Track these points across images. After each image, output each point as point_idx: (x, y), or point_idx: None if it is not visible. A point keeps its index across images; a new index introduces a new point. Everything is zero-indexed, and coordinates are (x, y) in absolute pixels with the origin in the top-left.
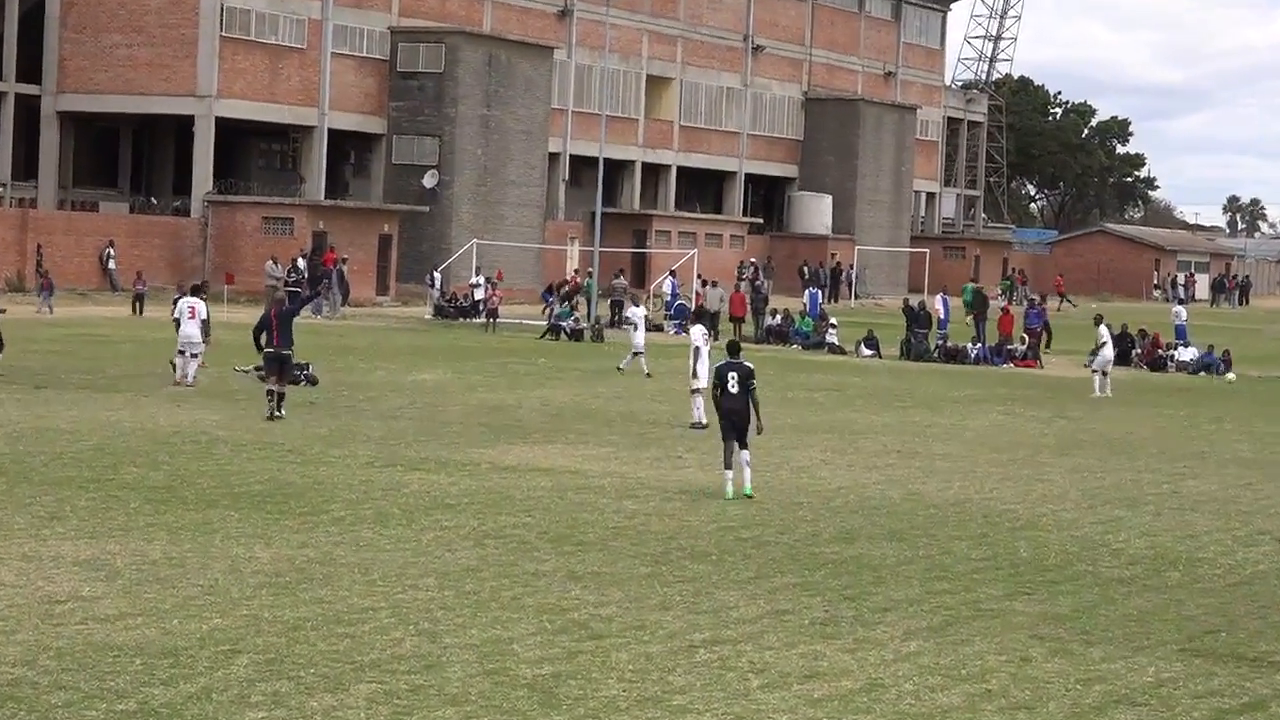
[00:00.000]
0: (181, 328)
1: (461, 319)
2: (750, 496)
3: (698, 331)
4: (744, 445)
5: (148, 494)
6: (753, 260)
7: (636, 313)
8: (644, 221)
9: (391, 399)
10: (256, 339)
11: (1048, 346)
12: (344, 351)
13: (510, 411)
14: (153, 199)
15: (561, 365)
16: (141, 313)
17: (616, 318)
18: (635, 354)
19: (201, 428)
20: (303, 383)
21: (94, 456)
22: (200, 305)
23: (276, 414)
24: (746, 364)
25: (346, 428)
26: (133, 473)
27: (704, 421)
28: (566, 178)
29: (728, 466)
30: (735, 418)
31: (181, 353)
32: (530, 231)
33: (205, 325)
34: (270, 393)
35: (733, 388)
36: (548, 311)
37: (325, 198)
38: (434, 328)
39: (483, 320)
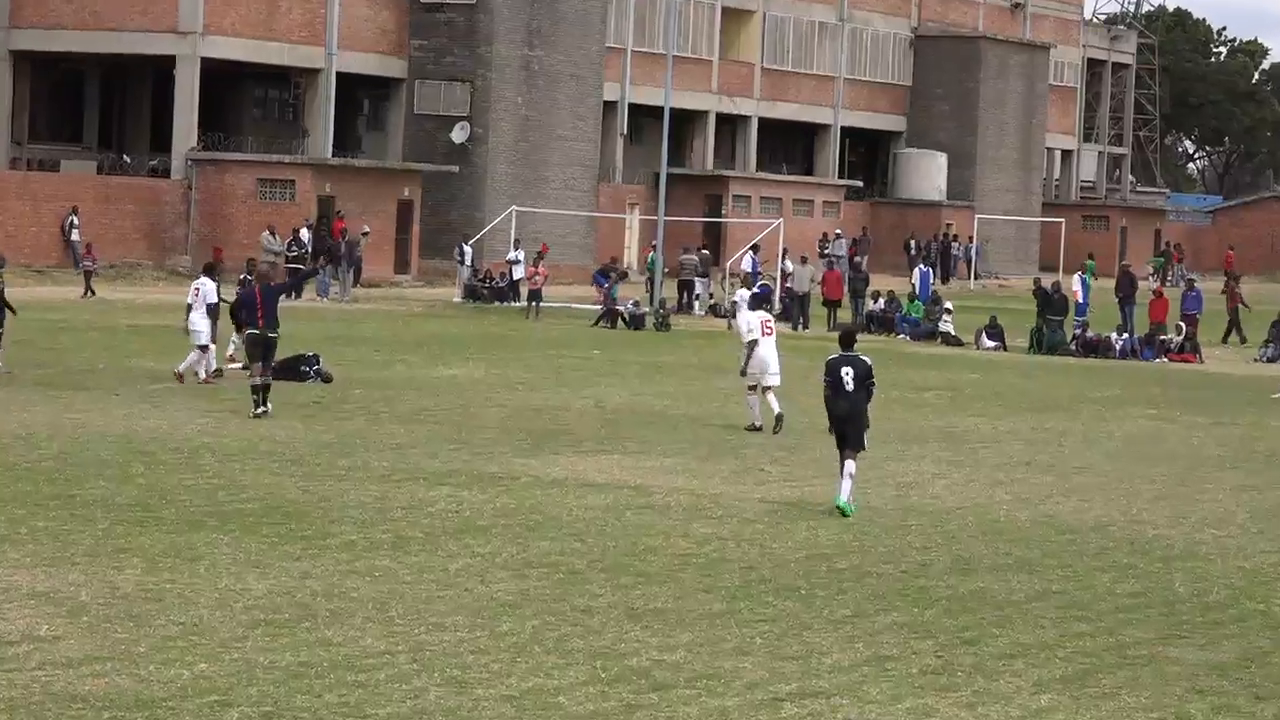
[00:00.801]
0: (190, 314)
1: (497, 302)
2: (846, 514)
3: (753, 319)
4: (854, 454)
5: (119, 513)
6: (838, 231)
7: (743, 295)
8: (719, 185)
9: (413, 399)
10: (234, 317)
11: (1239, 340)
12: (355, 341)
13: (556, 414)
14: (125, 157)
15: (619, 358)
16: (91, 293)
17: (685, 301)
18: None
19: (183, 433)
20: (312, 379)
21: (54, 468)
22: (206, 286)
23: (262, 410)
24: (864, 358)
25: (358, 433)
26: (101, 487)
27: (758, 424)
28: (625, 132)
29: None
30: (848, 422)
31: (205, 346)
32: (580, 197)
33: (213, 311)
34: (253, 388)
35: (849, 386)
36: (602, 293)
37: (333, 155)
38: (464, 312)
39: (523, 304)
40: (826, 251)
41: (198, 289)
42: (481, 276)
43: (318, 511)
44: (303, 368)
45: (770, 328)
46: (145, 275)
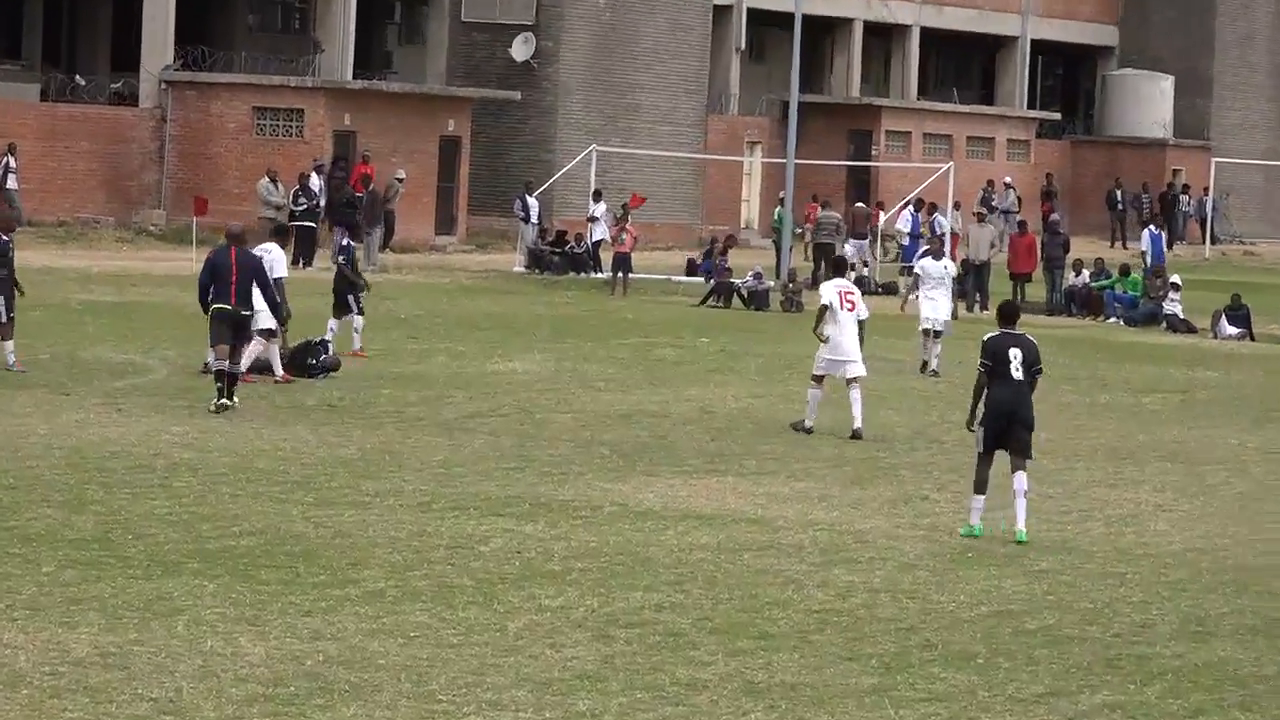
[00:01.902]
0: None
1: (572, 272)
2: (1022, 542)
3: (829, 289)
4: (1023, 463)
5: (70, 551)
6: (1007, 180)
7: (932, 268)
8: (867, 117)
9: (460, 401)
10: (204, 293)
11: None
12: (384, 324)
13: (651, 422)
14: (78, 78)
15: (734, 348)
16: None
17: (823, 271)
18: (932, 334)
19: (155, 446)
20: (320, 375)
21: None
22: (274, 255)
23: (225, 403)
24: (1030, 338)
25: (388, 446)
26: (46, 517)
27: (809, 424)
28: (742, 46)
29: (980, 490)
30: (1014, 419)
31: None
32: (683, 133)
33: (278, 290)
34: (216, 375)
35: (1016, 372)
36: (713, 264)
37: (355, 77)
38: (527, 286)
39: (606, 275)
40: (992, 207)
41: (260, 258)
42: (550, 239)
43: (333, 550)
44: (311, 360)
45: (852, 301)
46: (104, 236)
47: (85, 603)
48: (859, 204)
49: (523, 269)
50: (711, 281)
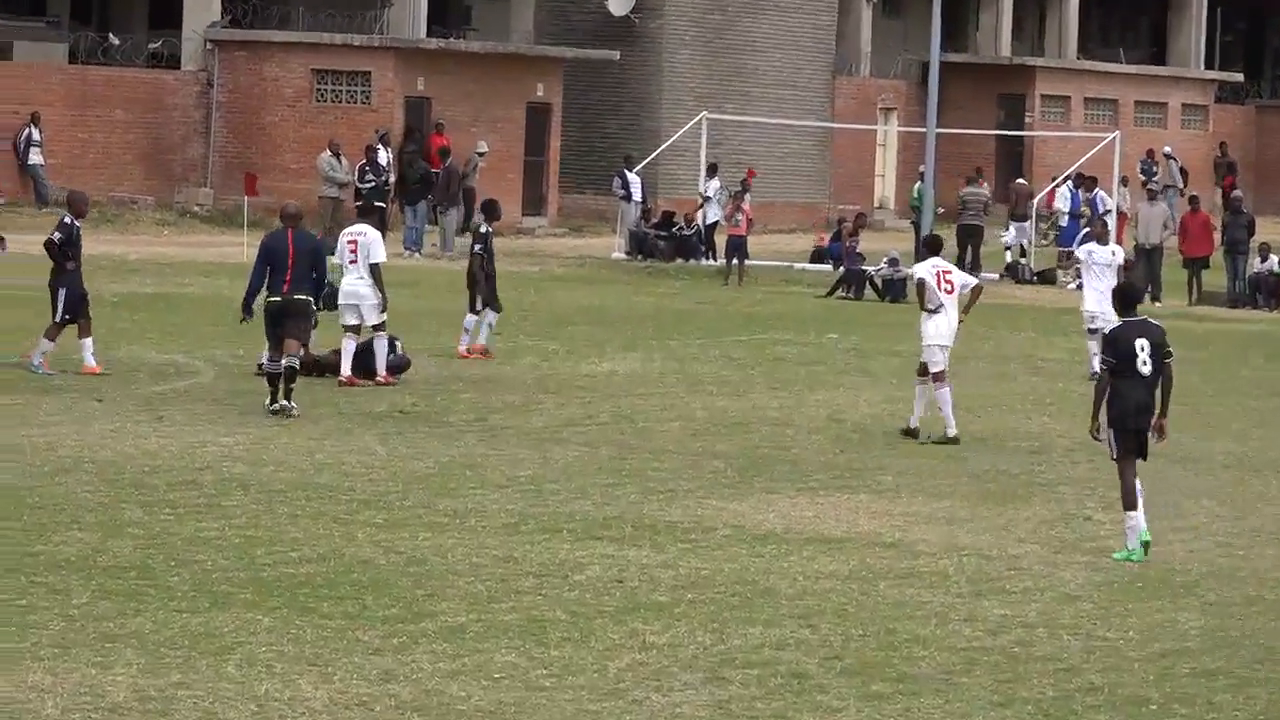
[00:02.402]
0: (344, 280)
1: (680, 259)
2: (1146, 543)
3: (924, 269)
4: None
5: (105, 580)
6: (1167, 150)
7: (1098, 254)
8: (1019, 79)
9: (551, 408)
10: (255, 284)
11: None
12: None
13: (771, 432)
14: (111, 37)
15: (867, 346)
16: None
17: (970, 257)
18: (1101, 333)
19: (201, 459)
20: (394, 374)
21: (7, 511)
22: (368, 237)
23: (285, 407)
24: (1156, 323)
25: (469, 459)
26: (78, 541)
27: (915, 426)
28: None
29: (1130, 505)
30: (1145, 417)
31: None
32: (807, 99)
33: (376, 276)
34: (270, 377)
35: (1144, 366)
36: (842, 249)
37: (429, 35)
38: (628, 274)
39: (719, 262)
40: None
41: (354, 240)
42: (655, 220)
43: (406, 580)
44: (382, 358)
45: (951, 283)
46: (142, 218)
47: (122, 639)
48: (1019, 180)
49: (623, 255)
50: (840, 269)
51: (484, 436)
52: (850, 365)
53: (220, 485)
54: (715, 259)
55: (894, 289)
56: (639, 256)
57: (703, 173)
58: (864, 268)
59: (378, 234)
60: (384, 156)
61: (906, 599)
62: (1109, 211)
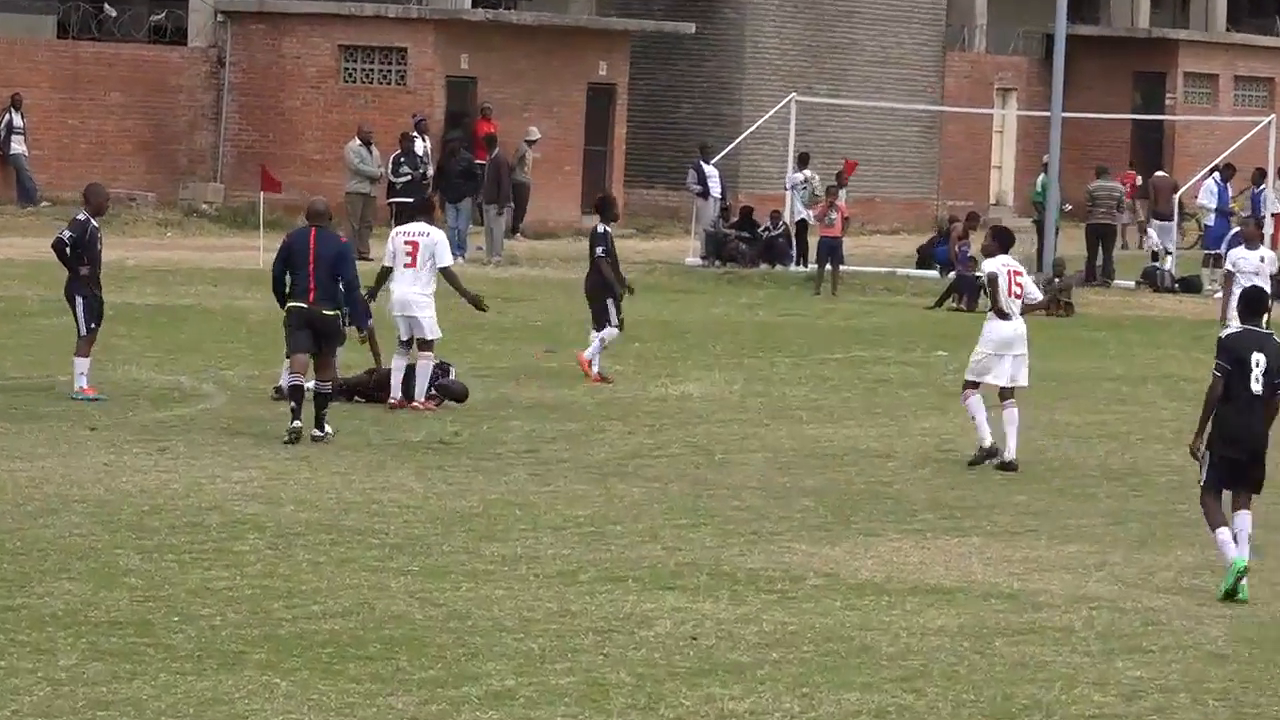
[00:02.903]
0: (394, 287)
1: (765, 264)
2: (1236, 595)
3: (994, 265)
4: (1247, 501)
5: (97, 638)
6: None
7: (1245, 260)
8: (1159, 55)
9: (615, 436)
10: (278, 284)
11: None
12: (511, 333)
13: (870, 465)
14: (106, 7)
15: None
16: None
17: (1101, 263)
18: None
19: (210, 496)
20: (437, 401)
21: None
22: (431, 238)
23: (317, 434)
24: (1278, 339)
25: (518, 496)
26: (65, 593)
27: (988, 444)
28: None
29: (1216, 524)
30: (1252, 444)
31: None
32: (912, 78)
33: (452, 281)
34: (290, 393)
35: (1255, 384)
36: (951, 252)
37: (475, 4)
38: (705, 282)
39: (811, 267)
40: None
41: (414, 241)
42: (735, 219)
43: (446, 636)
44: (434, 384)
45: (1020, 285)
46: (143, 218)
47: (116, 706)
48: (1159, 172)
49: (698, 260)
50: (950, 275)
51: (537, 470)
52: (961, 387)
53: (231, 527)
54: (806, 264)
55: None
56: (717, 261)
57: (791, 164)
58: (978, 274)
59: (443, 234)
60: (421, 146)
61: (1027, 659)
62: (1263, 216)
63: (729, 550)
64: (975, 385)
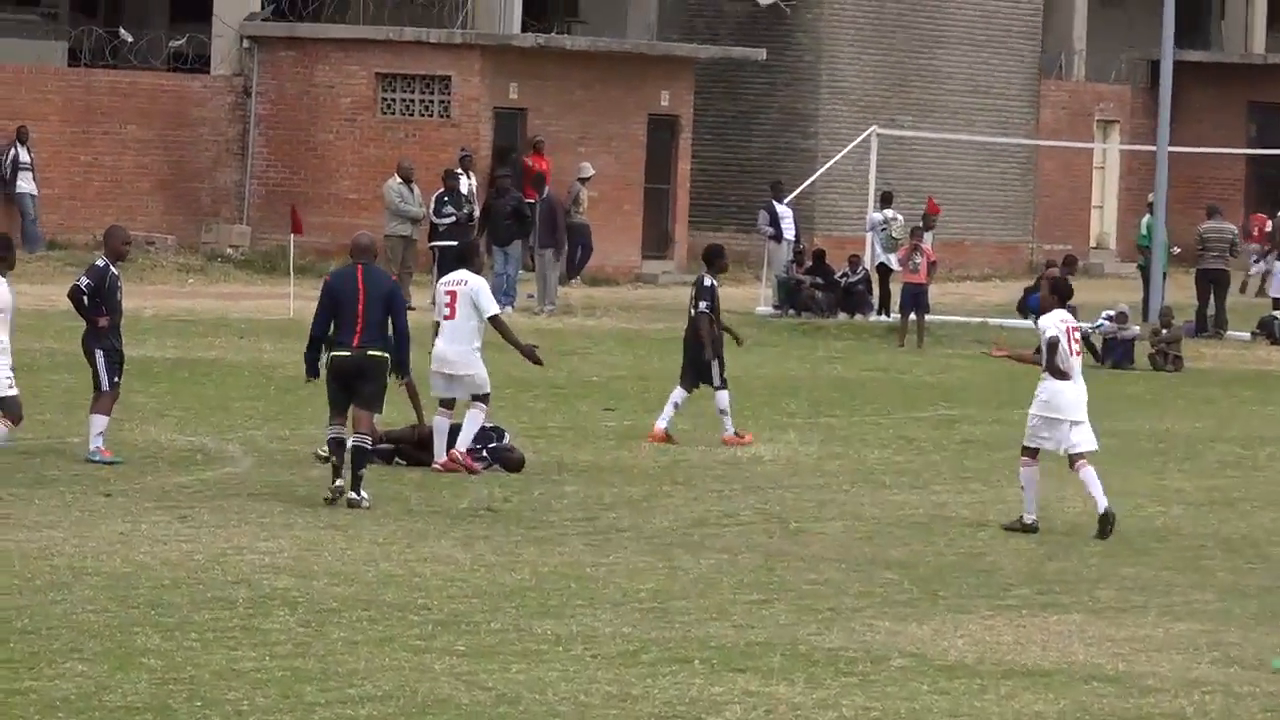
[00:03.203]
0: (437, 341)
1: (843, 314)
2: None
3: (1052, 321)
4: None
5: None
6: None
7: None
8: (1275, 82)
9: (680, 503)
10: (317, 336)
11: None
12: (565, 390)
13: (960, 534)
14: (122, 32)
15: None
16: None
17: (1213, 312)
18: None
19: (236, 569)
20: (486, 464)
21: None
22: (471, 285)
23: (353, 498)
24: None
25: (574, 569)
26: (78, 675)
27: (1030, 520)
28: None
29: None
30: None
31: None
32: (1004, 108)
33: (501, 329)
34: (331, 447)
35: None
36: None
37: (525, 30)
38: (778, 333)
39: (894, 318)
40: None
41: (454, 291)
42: (810, 264)
43: None
44: (482, 446)
45: (1079, 341)
46: (162, 263)
47: None
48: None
49: (770, 309)
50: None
51: (594, 540)
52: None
53: (259, 603)
54: (888, 314)
55: (1117, 351)
56: (790, 311)
57: (872, 203)
58: (1078, 325)
59: (483, 281)
60: (466, 184)
61: None
62: None
63: (805, 628)
64: (1034, 454)
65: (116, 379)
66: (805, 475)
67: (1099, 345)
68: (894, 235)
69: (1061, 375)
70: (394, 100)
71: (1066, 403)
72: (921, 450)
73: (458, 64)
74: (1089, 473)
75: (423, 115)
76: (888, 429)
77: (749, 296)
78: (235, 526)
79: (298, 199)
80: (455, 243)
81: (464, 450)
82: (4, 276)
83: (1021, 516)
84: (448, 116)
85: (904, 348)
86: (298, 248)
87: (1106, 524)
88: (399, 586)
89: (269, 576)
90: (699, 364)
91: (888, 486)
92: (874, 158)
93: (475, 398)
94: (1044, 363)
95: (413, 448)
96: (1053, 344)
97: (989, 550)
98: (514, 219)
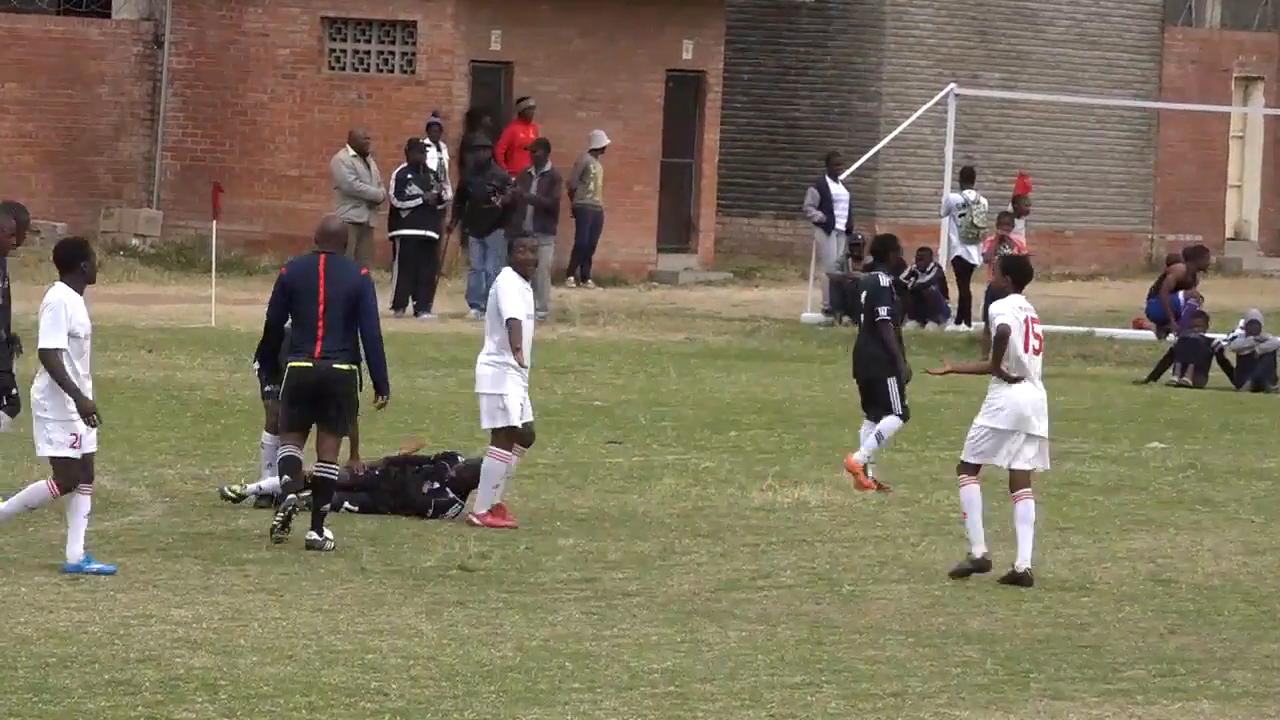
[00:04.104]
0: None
1: (912, 321)
2: None
3: (1006, 309)
4: None
5: None
6: None
7: None
8: None
9: (703, 561)
10: (273, 337)
11: None
12: (562, 417)
13: (1056, 599)
14: None
15: (1213, 461)
16: None
17: None
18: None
19: (142, 643)
20: (452, 508)
21: None
22: (511, 290)
23: (313, 538)
24: None
25: (570, 643)
26: None
27: (979, 554)
28: None
29: None
30: None
31: None
32: (1116, 64)
33: (515, 334)
34: (282, 461)
35: None
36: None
37: None
38: (828, 345)
39: (973, 326)
40: None
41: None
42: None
43: None
44: (426, 486)
45: (1040, 338)
46: (48, 257)
47: None
48: None
49: (819, 315)
50: (1170, 337)
51: (595, 607)
52: (1186, 493)
53: (170, 687)
54: (969, 322)
55: (1256, 368)
56: (844, 317)
57: (949, 182)
58: (1208, 335)
59: (509, 276)
60: (436, 158)
61: None
62: None
63: (861, 716)
64: (975, 470)
65: (4, 401)
66: (862, 525)
67: (1233, 362)
68: (975, 223)
69: (1012, 380)
70: (344, 52)
71: (1022, 413)
72: (1008, 493)
73: (424, 6)
74: (1028, 509)
75: (381, 71)
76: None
77: (793, 299)
78: (140, 590)
79: (222, 176)
80: (422, 232)
81: (483, 510)
82: (80, 293)
83: (969, 553)
84: (412, 72)
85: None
86: (221, 238)
87: (1019, 582)
88: (347, 666)
89: (183, 653)
90: (881, 387)
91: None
92: (951, 124)
93: (495, 435)
94: (991, 362)
95: (383, 492)
96: (1002, 334)
97: (1094, 620)
98: (499, 195)
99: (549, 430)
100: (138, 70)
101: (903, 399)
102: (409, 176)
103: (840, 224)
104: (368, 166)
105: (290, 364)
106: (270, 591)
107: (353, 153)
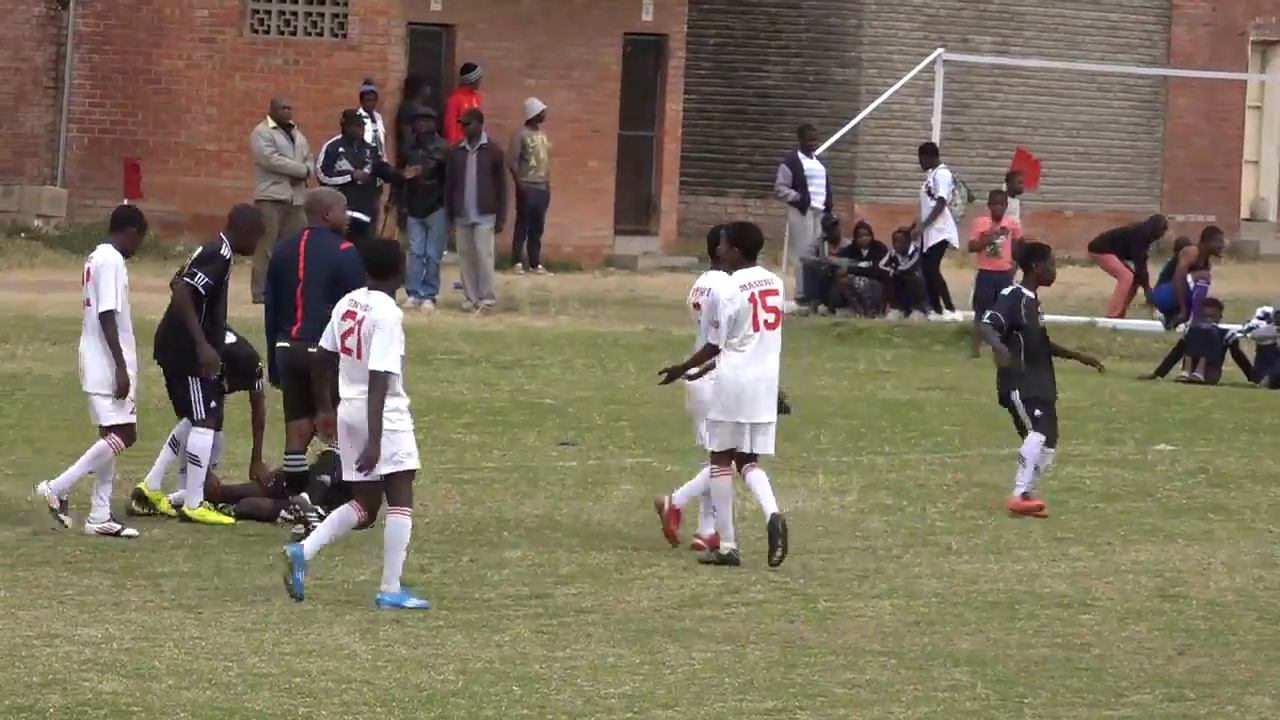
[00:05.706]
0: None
1: (896, 310)
2: None
3: (730, 287)
4: None
5: None
6: None
7: None
8: None
9: (666, 574)
10: (272, 316)
11: None
12: (507, 416)
13: (1053, 616)
14: None
15: (1226, 464)
16: None
17: None
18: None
19: (45, 664)
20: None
21: None
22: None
23: (295, 520)
24: None
25: (518, 666)
26: None
27: (728, 550)
28: None
29: None
30: None
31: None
32: (1119, 28)
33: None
34: (292, 477)
35: None
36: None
37: None
38: (802, 337)
39: (962, 316)
40: None
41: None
42: (849, 243)
43: None
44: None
45: (774, 311)
46: None
47: None
48: None
49: (793, 304)
50: (1180, 328)
51: (546, 626)
52: (1196, 500)
53: (78, 713)
54: (955, 310)
55: (1276, 362)
56: (821, 306)
57: (924, 157)
58: (1221, 326)
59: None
60: (371, 130)
61: None
62: None
63: None
64: (728, 459)
65: None
66: (840, 535)
67: (1250, 355)
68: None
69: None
70: (268, 13)
71: (744, 392)
72: (1001, 501)
73: None
74: (758, 474)
75: (309, 34)
76: (953, 468)
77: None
78: (45, 607)
79: (134, 151)
80: (352, 214)
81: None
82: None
83: (721, 547)
84: (343, 36)
85: (978, 358)
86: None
87: (778, 543)
88: (272, 690)
89: (92, 676)
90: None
91: (953, 551)
92: (939, 93)
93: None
94: (718, 344)
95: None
96: (712, 306)
97: (1095, 640)
98: (438, 179)
99: (495, 430)
100: (40, 33)
101: (1030, 411)
102: (340, 150)
103: (816, 203)
104: (291, 139)
105: (277, 344)
106: (188, 608)
107: (273, 124)
